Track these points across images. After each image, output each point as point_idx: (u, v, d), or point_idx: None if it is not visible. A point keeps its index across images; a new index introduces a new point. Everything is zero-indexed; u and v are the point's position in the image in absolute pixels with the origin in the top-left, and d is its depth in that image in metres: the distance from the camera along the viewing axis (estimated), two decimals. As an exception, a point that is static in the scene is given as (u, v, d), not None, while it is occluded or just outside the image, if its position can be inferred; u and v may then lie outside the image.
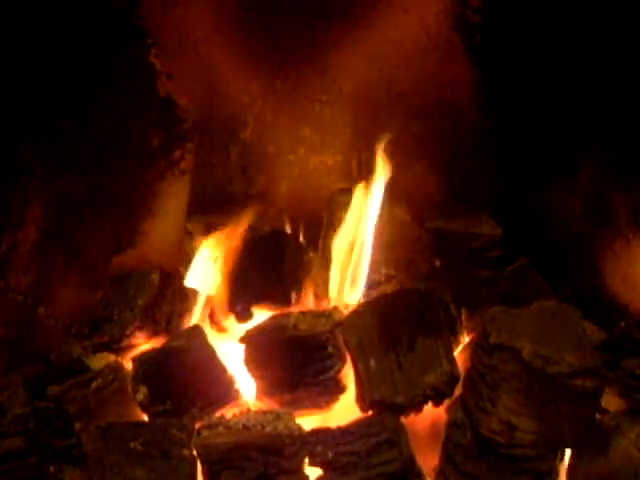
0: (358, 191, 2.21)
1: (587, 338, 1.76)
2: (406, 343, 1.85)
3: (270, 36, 2.37)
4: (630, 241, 2.12)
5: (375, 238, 2.16)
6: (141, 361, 1.98)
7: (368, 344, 1.86)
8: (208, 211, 2.43)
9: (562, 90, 2.18)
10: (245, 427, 1.78)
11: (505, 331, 1.71)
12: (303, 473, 1.73)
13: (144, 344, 2.11)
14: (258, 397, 1.95)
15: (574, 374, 1.64)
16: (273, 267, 2.15)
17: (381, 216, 2.18)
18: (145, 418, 1.95)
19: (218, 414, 1.87)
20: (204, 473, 1.74)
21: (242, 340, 1.97)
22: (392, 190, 2.27)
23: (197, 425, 1.82)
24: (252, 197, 2.44)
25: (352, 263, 2.15)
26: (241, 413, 1.84)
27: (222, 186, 2.48)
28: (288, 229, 2.33)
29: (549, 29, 2.17)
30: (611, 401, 1.82)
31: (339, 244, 2.17)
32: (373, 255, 2.15)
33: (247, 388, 1.98)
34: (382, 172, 2.19)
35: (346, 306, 2.09)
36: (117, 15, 2.21)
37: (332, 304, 2.12)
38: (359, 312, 1.94)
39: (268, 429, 1.76)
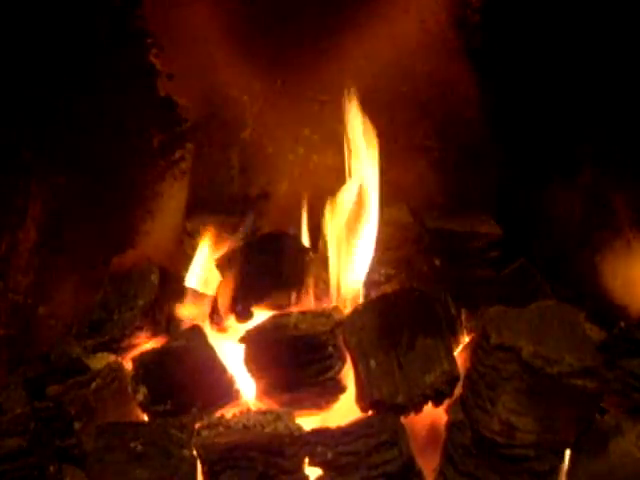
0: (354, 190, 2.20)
1: (587, 338, 1.76)
2: (406, 343, 1.85)
3: (270, 36, 2.37)
4: (630, 241, 2.12)
5: (371, 238, 2.16)
6: (141, 361, 1.98)
7: (368, 344, 1.86)
8: (208, 211, 2.43)
9: (562, 90, 2.19)
10: (245, 427, 1.78)
11: (505, 331, 1.71)
12: (303, 473, 1.73)
13: (144, 344, 2.11)
14: (258, 397, 1.95)
15: (574, 374, 1.64)
16: (273, 267, 2.15)
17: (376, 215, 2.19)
18: (145, 418, 1.96)
19: (218, 414, 1.87)
20: (204, 473, 1.74)
21: (242, 340, 1.97)
22: (392, 190, 2.28)
23: (197, 425, 1.82)
24: (252, 197, 2.44)
25: (351, 262, 2.15)
26: (241, 413, 1.84)
27: (222, 186, 2.48)
28: (288, 229, 2.33)
29: (549, 29, 2.17)
30: (611, 401, 1.82)
31: (337, 243, 2.17)
32: (372, 255, 2.15)
33: (247, 388, 1.98)
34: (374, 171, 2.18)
35: (346, 306, 2.10)
36: (117, 15, 2.21)
37: (332, 304, 2.12)
38: (359, 312, 1.94)
39: (268, 429, 1.76)
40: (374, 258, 2.16)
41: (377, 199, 2.14)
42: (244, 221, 2.35)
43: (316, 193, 2.29)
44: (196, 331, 2.03)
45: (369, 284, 2.15)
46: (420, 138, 2.40)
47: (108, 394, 1.94)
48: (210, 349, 1.98)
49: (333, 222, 2.15)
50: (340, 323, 1.93)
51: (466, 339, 2.01)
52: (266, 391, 1.93)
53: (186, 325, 2.16)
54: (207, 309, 2.20)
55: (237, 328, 2.11)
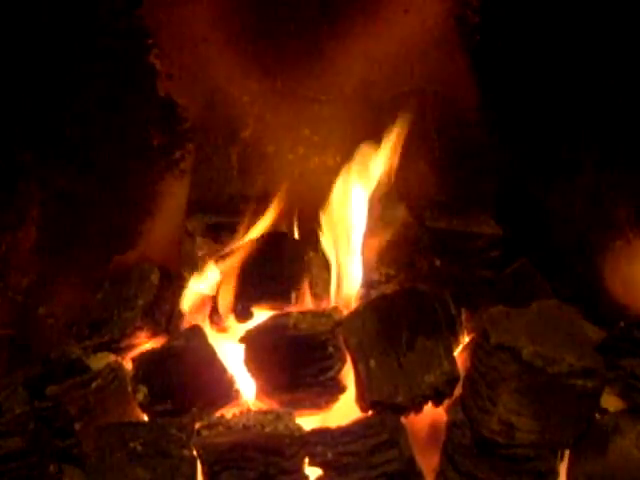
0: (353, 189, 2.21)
1: (587, 338, 1.76)
2: (406, 343, 1.85)
3: (270, 36, 2.37)
4: (630, 241, 2.12)
5: (369, 237, 2.16)
6: (141, 361, 1.98)
7: (368, 344, 1.86)
8: (208, 211, 2.43)
9: (563, 90, 2.18)
10: (245, 427, 1.78)
11: (505, 331, 1.71)
12: (303, 473, 1.73)
13: (144, 344, 2.11)
14: (258, 397, 1.95)
15: (574, 374, 1.64)
16: (273, 267, 2.15)
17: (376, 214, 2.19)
18: (145, 418, 1.96)
19: (218, 414, 1.88)
20: (204, 473, 1.74)
21: (242, 340, 1.97)
22: (392, 189, 2.27)
23: (197, 425, 1.82)
24: (252, 197, 2.44)
25: (349, 262, 2.15)
26: (241, 413, 1.84)
27: (222, 186, 2.48)
28: (288, 229, 2.33)
29: (549, 29, 2.17)
30: (611, 401, 1.82)
31: (335, 243, 2.17)
32: (370, 254, 2.15)
33: (247, 388, 1.98)
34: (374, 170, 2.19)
35: (346, 306, 2.10)
36: (117, 15, 2.21)
37: (332, 304, 2.12)
38: (359, 312, 1.94)
39: (268, 429, 1.76)
40: (374, 258, 2.16)
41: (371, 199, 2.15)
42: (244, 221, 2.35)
43: (316, 193, 2.30)
44: (196, 331, 2.03)
45: (369, 284, 2.15)
46: (420, 137, 2.40)
47: (108, 394, 1.94)
48: (210, 349, 1.98)
49: (331, 222, 2.15)
50: (340, 323, 1.93)
51: (466, 339, 2.01)
52: (266, 391, 1.93)
53: (186, 325, 2.16)
54: (207, 309, 2.20)
55: (237, 328, 2.11)
